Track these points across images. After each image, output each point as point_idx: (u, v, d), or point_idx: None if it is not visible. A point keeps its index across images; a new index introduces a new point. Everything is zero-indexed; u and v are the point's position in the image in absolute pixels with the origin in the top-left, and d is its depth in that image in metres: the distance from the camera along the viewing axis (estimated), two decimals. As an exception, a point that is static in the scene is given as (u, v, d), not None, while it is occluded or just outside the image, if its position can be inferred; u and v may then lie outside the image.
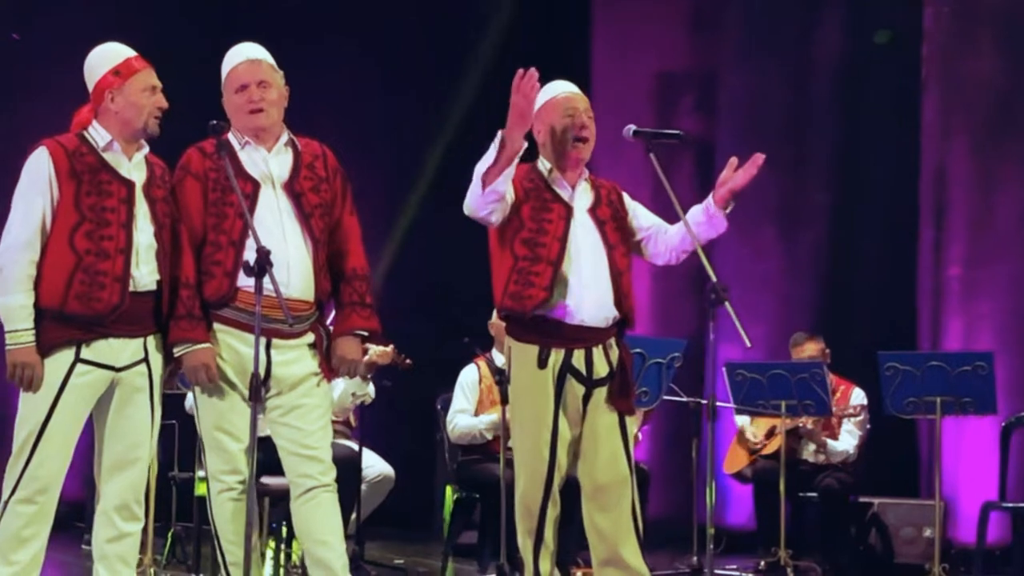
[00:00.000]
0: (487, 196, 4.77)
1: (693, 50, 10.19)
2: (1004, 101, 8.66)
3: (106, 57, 4.74)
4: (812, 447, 7.91)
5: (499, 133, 4.68)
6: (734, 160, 5.03)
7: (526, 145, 4.76)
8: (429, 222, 9.86)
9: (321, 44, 9.90)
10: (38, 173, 4.59)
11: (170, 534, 6.81)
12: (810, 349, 7.96)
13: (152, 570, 6.03)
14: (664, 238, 5.14)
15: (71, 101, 4.86)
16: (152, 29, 6.89)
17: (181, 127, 4.81)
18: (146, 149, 4.75)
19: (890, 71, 9.37)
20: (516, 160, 4.75)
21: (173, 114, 4.76)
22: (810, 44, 9.62)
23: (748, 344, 4.71)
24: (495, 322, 6.71)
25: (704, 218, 5.04)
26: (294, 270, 4.71)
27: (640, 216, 5.18)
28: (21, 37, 8.89)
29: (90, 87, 4.75)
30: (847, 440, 7.87)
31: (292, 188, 4.78)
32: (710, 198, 5.04)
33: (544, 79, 5.16)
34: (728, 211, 5.03)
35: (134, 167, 4.70)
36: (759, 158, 4.98)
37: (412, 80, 10.15)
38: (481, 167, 4.75)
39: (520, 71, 4.64)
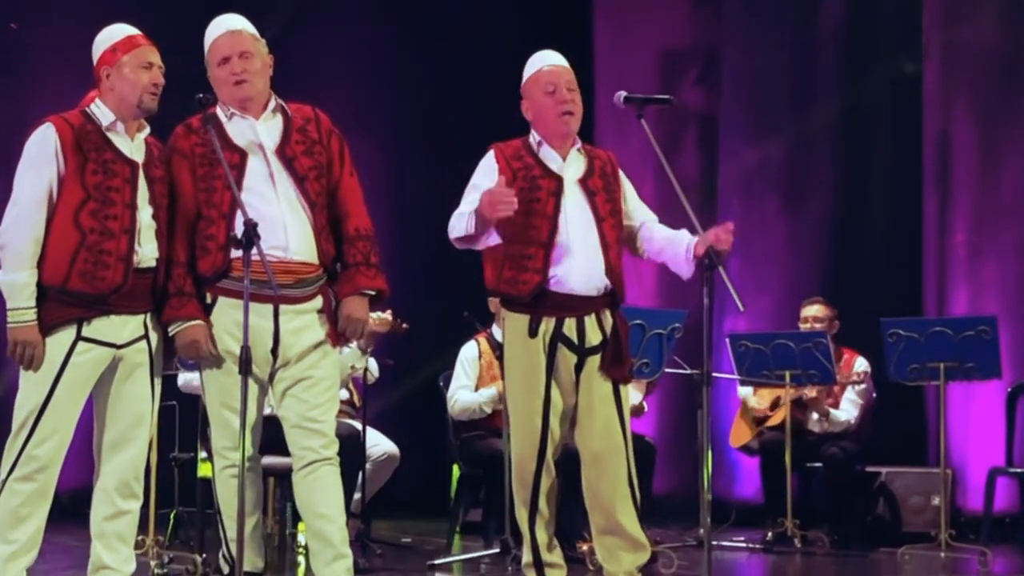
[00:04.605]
0: (469, 247, 4.95)
1: (695, 24, 10.16)
2: (1005, 67, 8.62)
3: (107, 36, 4.77)
4: (816, 416, 7.89)
5: (474, 214, 4.80)
6: (730, 224, 4.96)
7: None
8: (434, 195, 9.83)
9: (333, 14, 9.91)
10: (44, 146, 4.59)
11: (172, 515, 6.82)
12: (815, 310, 7.94)
13: (155, 551, 6.04)
14: (647, 235, 5.15)
15: (70, 91, 4.86)
16: (152, 10, 6.85)
17: (189, 105, 4.78)
18: (147, 130, 4.77)
19: (891, 40, 9.32)
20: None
21: (180, 93, 4.76)
22: (812, 16, 9.58)
23: (741, 308, 4.74)
24: (494, 299, 6.70)
25: (681, 258, 5.03)
26: (292, 233, 4.70)
27: (631, 202, 5.20)
28: (19, 26, 8.88)
29: (94, 67, 4.77)
30: (848, 409, 7.85)
31: (283, 153, 4.78)
32: (690, 246, 4.98)
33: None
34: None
35: (136, 147, 4.72)
36: (730, 227, 4.92)
37: (418, 50, 10.11)
38: (457, 231, 4.90)
39: (503, 188, 4.75)
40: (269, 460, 5.74)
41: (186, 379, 6.50)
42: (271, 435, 4.99)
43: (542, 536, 4.95)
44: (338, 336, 4.84)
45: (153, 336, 4.74)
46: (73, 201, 4.58)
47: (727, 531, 8.18)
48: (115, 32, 4.77)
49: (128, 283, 4.61)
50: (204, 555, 6.02)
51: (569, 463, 5.12)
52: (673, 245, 5.05)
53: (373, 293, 4.88)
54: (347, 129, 5.02)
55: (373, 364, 7.17)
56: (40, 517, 4.66)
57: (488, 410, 7.07)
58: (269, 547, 6.14)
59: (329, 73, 9.61)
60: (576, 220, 4.96)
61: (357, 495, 6.88)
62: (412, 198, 9.83)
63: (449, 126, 9.85)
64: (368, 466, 6.98)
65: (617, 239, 5.06)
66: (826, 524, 7.73)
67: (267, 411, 4.88)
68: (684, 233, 5.05)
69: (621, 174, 5.18)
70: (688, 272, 5.04)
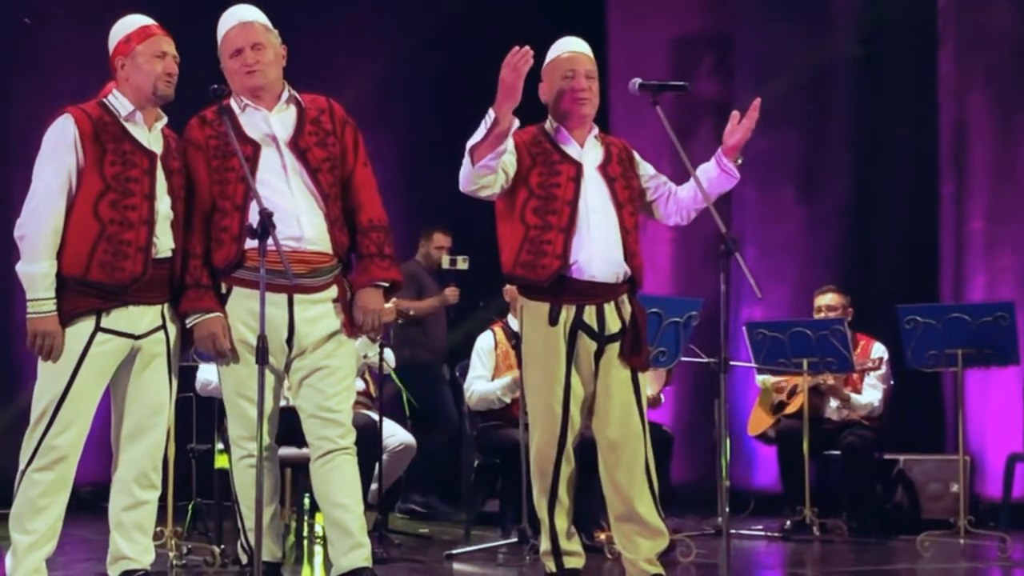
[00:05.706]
0: (478, 171, 4.79)
1: (709, 12, 10.14)
2: (1021, 52, 8.58)
3: (121, 27, 4.79)
4: (835, 404, 7.87)
5: (490, 110, 4.69)
6: (736, 113, 5.04)
7: (517, 123, 4.76)
8: (450, 189, 9.80)
9: (349, 8, 9.91)
10: (63, 137, 4.61)
11: (191, 506, 6.83)
12: (828, 299, 7.93)
13: (174, 542, 6.05)
14: (675, 198, 5.17)
15: (86, 85, 4.87)
16: (167, 2, 6.86)
17: (204, 97, 4.77)
18: (164, 120, 4.78)
19: (907, 26, 9.29)
20: (508, 137, 4.76)
21: (194, 85, 4.75)
22: (826, 2, 9.55)
23: (759, 294, 4.70)
24: (510, 288, 6.70)
25: (716, 172, 5.05)
26: (305, 224, 4.70)
27: (650, 176, 5.19)
28: (32, 21, 8.89)
29: (110, 58, 4.79)
30: (871, 393, 7.84)
31: (297, 145, 4.77)
32: (719, 152, 5.04)
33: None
34: (739, 163, 5.04)
35: (154, 138, 4.73)
36: (757, 103, 5.01)
37: (432, 43, 10.09)
38: (471, 142, 4.77)
39: (515, 48, 4.63)
40: (286, 451, 5.76)
41: (203, 381, 6.49)
42: (287, 426, 4.99)
43: (561, 524, 4.94)
44: (353, 327, 4.83)
45: (171, 327, 4.75)
46: (92, 192, 4.59)
47: (745, 519, 8.18)
48: (129, 23, 4.79)
49: (148, 274, 4.62)
50: (222, 546, 6.02)
51: (585, 451, 5.10)
52: (701, 175, 5.01)
53: (387, 284, 4.88)
54: (362, 124, 5.01)
55: (389, 354, 7.17)
56: (59, 508, 4.67)
57: (507, 399, 7.07)
58: (286, 538, 6.15)
59: (344, 69, 9.60)
60: (596, 206, 4.94)
61: (374, 486, 6.89)
62: (428, 192, 9.80)
63: (464, 119, 9.82)
64: (384, 457, 6.98)
65: (635, 225, 5.06)
66: (844, 512, 7.72)
67: (283, 403, 4.88)
68: (701, 167, 5.06)
69: (636, 155, 5.18)
70: (731, 176, 5.03)
